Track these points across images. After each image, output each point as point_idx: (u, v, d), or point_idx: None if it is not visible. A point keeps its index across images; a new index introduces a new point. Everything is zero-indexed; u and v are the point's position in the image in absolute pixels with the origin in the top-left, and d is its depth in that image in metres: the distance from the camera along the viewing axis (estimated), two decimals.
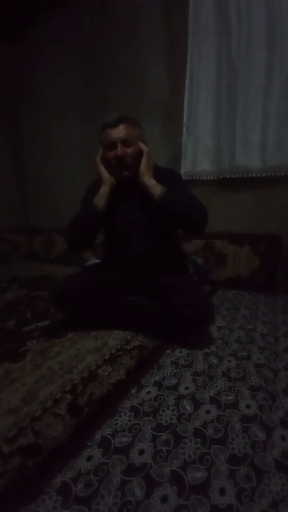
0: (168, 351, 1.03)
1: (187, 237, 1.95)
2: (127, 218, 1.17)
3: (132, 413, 0.73)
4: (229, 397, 0.78)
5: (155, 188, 1.05)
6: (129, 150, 1.06)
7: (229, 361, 0.96)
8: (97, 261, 1.47)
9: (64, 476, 0.56)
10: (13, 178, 3.04)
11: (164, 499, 0.52)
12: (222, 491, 0.53)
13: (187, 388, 0.83)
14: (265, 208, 1.74)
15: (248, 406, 0.75)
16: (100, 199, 1.10)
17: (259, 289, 1.70)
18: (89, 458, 0.60)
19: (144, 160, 1.07)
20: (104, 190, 1.10)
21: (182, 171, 1.92)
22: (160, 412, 0.73)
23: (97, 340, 1.12)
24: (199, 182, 1.90)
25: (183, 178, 1.91)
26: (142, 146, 1.09)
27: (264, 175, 1.66)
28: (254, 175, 1.69)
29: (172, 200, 1.04)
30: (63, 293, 1.16)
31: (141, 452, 0.62)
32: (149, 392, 0.81)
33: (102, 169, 1.11)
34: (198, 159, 1.86)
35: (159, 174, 1.12)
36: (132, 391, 0.82)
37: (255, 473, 0.56)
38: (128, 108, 2.14)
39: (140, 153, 1.08)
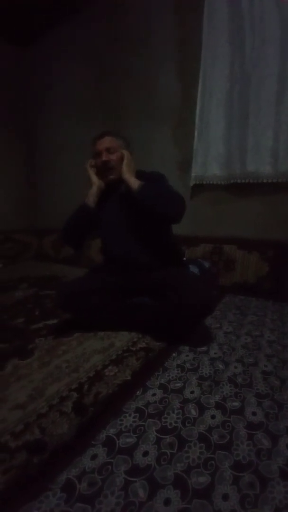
0: (174, 354, 1.03)
1: (195, 241, 1.95)
2: (115, 220, 1.27)
3: (137, 415, 0.73)
4: (235, 403, 0.78)
5: (134, 183, 1.16)
6: (113, 157, 1.22)
7: (236, 367, 0.96)
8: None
9: (68, 474, 0.57)
10: (25, 179, 3.09)
11: (167, 501, 0.52)
12: (226, 497, 0.53)
13: (192, 392, 0.83)
14: (274, 214, 1.73)
15: (254, 413, 0.74)
16: (89, 198, 1.26)
17: (267, 295, 1.68)
18: (94, 457, 0.61)
19: (124, 162, 1.21)
20: (92, 190, 1.26)
21: (193, 175, 1.92)
22: (165, 415, 0.73)
23: (104, 340, 1.13)
24: (208, 187, 1.90)
25: (194, 182, 1.93)
26: (123, 151, 1.23)
27: (275, 181, 1.65)
28: (264, 180, 1.68)
29: (148, 191, 1.14)
30: (67, 297, 1.20)
31: (145, 453, 0.62)
32: (154, 394, 0.81)
33: (91, 173, 1.28)
34: (209, 164, 1.86)
35: (143, 176, 1.21)
36: (138, 392, 0.82)
37: (259, 480, 0.56)
38: (140, 113, 2.16)
39: (123, 159, 1.22)
